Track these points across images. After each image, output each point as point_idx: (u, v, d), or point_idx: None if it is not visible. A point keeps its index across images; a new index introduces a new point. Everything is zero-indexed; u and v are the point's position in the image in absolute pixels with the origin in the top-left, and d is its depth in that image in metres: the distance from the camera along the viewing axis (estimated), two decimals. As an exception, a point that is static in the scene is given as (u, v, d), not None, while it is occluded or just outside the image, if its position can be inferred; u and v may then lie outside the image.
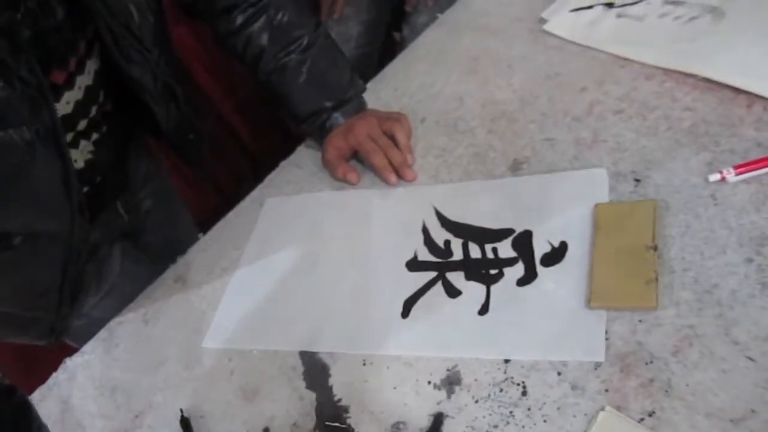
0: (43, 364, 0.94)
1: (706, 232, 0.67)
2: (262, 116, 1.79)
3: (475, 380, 0.66)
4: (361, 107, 1.00)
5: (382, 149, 0.92)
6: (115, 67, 0.83)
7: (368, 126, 0.94)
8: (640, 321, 0.63)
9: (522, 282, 0.72)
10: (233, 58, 1.02)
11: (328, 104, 0.98)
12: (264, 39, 0.96)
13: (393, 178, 0.91)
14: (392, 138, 0.93)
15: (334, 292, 0.82)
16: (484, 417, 0.63)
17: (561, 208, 0.76)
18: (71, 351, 0.91)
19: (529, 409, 0.62)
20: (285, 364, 0.77)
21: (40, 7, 0.70)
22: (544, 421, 0.60)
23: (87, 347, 0.91)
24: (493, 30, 1.09)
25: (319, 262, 0.86)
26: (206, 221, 1.05)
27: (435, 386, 0.68)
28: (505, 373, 0.65)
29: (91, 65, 0.81)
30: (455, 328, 0.71)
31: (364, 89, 1.02)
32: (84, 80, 0.80)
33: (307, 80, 0.97)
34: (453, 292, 0.75)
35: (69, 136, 0.80)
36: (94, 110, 0.84)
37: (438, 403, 0.66)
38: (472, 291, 0.73)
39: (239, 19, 0.95)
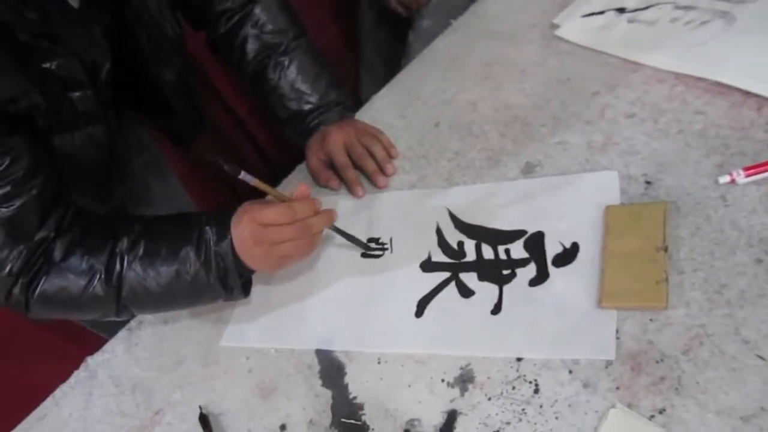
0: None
1: (716, 233, 0.68)
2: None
3: (488, 378, 0.67)
4: (344, 117, 1.02)
5: (356, 160, 0.96)
6: (134, 66, 0.93)
7: (344, 135, 0.97)
8: (650, 320, 0.64)
9: (534, 282, 0.73)
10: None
11: (305, 108, 1.01)
12: (247, 43, 1.01)
13: (360, 191, 0.96)
14: (369, 153, 0.97)
15: (350, 292, 0.83)
16: (496, 414, 0.64)
17: (572, 209, 0.77)
18: (93, 349, 0.93)
19: (541, 407, 0.63)
20: (301, 362, 0.79)
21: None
22: (556, 418, 0.61)
23: (108, 346, 0.93)
24: (506, 36, 1.11)
25: (334, 262, 0.88)
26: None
27: (448, 384, 0.69)
28: (517, 371, 0.67)
29: (105, 67, 0.85)
30: (468, 327, 0.72)
31: (345, 99, 1.04)
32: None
33: (282, 84, 1.01)
34: (466, 292, 0.76)
35: None
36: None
37: (451, 401, 0.67)
38: (485, 291, 0.75)
39: (226, 25, 1.02)
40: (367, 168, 0.96)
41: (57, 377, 0.91)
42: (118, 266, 0.74)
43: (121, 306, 0.76)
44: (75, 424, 0.85)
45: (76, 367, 0.92)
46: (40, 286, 0.74)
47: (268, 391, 0.78)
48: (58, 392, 0.90)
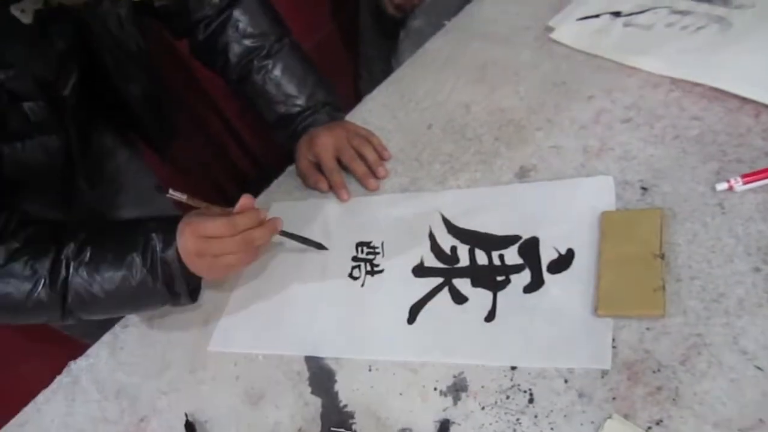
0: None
1: (713, 240, 0.67)
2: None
3: (482, 387, 0.66)
4: (333, 118, 1.01)
5: (346, 163, 0.95)
6: (102, 80, 0.92)
7: (333, 137, 0.96)
8: (647, 329, 0.63)
9: (529, 289, 0.72)
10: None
11: (293, 111, 0.99)
12: (228, 49, 1.00)
13: (344, 195, 0.94)
14: (360, 156, 0.96)
15: (341, 297, 0.82)
16: (490, 424, 0.63)
17: (568, 215, 0.76)
18: (77, 353, 0.91)
19: (535, 417, 0.62)
20: (290, 369, 0.77)
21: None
22: (551, 428, 0.60)
23: (92, 350, 0.91)
24: (501, 38, 1.10)
25: (325, 267, 0.86)
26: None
27: (441, 393, 0.67)
28: (511, 380, 0.65)
29: (71, 80, 0.85)
30: (462, 334, 0.71)
31: (334, 99, 1.02)
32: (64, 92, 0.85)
33: (269, 88, 0.99)
34: (459, 298, 0.75)
35: None
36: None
37: (444, 410, 0.66)
38: (479, 297, 0.73)
39: (205, 32, 1.00)
40: (357, 171, 0.95)
41: (39, 382, 0.89)
42: (63, 272, 0.74)
43: (66, 311, 0.76)
44: (57, 431, 0.83)
45: (59, 371, 0.90)
46: None
47: (256, 399, 0.76)
48: (40, 398, 0.88)
